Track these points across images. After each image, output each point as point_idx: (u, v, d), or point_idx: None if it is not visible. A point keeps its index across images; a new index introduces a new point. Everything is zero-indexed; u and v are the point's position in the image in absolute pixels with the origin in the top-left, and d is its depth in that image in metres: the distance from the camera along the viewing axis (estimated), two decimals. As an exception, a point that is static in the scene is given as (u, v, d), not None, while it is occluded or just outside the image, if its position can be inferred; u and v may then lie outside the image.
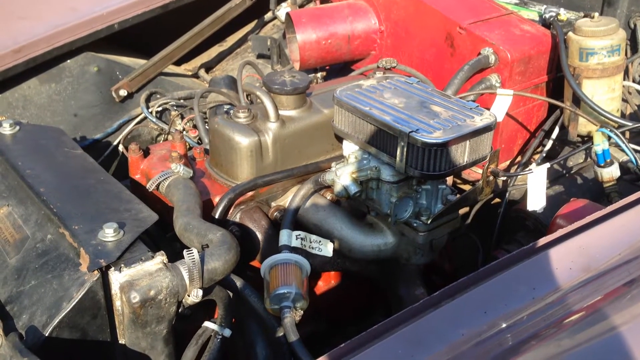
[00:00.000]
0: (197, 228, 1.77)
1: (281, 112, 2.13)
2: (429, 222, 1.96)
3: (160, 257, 1.62)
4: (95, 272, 1.58)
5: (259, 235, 2.07)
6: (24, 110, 3.06)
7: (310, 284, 2.30)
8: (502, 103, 2.40)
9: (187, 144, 2.49)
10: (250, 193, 2.11)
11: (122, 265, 1.59)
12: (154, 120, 3.01)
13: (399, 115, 1.88)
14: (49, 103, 3.11)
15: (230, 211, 2.10)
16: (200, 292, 1.60)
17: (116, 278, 1.57)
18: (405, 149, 1.82)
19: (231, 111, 2.16)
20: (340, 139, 2.07)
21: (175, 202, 1.93)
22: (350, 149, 2.02)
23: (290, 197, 2.09)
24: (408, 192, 1.94)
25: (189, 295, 1.60)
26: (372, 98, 1.98)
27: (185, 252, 1.58)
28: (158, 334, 1.63)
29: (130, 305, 1.54)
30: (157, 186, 2.04)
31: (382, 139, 1.90)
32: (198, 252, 1.61)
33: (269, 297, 1.77)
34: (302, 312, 1.78)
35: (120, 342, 1.64)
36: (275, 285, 1.79)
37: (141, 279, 1.56)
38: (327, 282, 2.37)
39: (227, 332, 1.83)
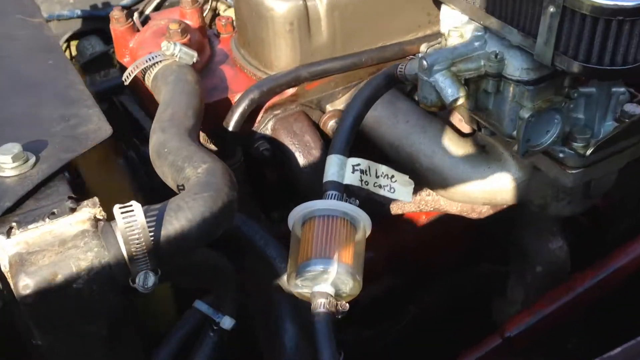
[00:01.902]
0: (173, 154, 1.02)
1: (344, -41, 1.30)
2: (588, 152, 1.12)
3: (89, 211, 0.90)
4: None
5: (301, 159, 1.31)
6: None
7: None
8: None
9: (209, 10, 1.70)
10: (291, 90, 1.33)
11: (16, 222, 0.89)
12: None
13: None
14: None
15: (260, 118, 1.34)
16: (152, 278, 0.88)
17: (3, 246, 0.87)
18: (556, 21, 0.96)
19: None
20: (438, 4, 1.22)
21: (159, 106, 1.19)
22: (452, 20, 1.17)
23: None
24: (553, 100, 1.09)
25: (132, 282, 0.88)
26: None
27: (116, 208, 0.85)
28: (91, 336, 0.94)
29: (20, 296, 0.85)
30: (144, 78, 1.29)
31: (512, 2, 1.04)
32: (146, 205, 0.88)
33: (294, 273, 1.04)
34: (347, 304, 1.03)
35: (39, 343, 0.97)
36: (305, 256, 1.04)
37: (43, 251, 0.85)
38: (409, 220, 1.61)
39: (228, 323, 1.12)
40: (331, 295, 1.02)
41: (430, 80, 1.06)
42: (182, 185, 0.97)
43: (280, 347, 1.21)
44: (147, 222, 0.86)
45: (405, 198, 1.19)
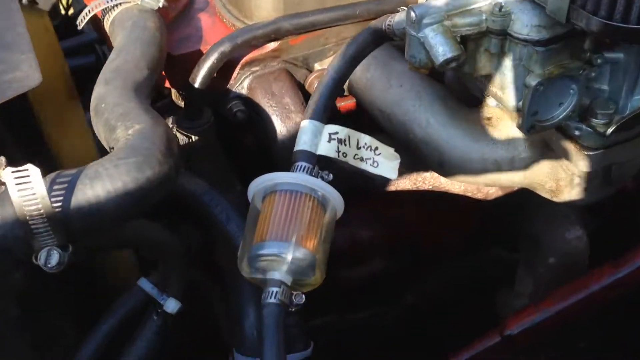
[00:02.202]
0: (109, 111, 0.87)
1: None
2: (610, 130, 0.93)
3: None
4: None
5: (278, 123, 1.15)
6: None
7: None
8: None
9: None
10: (273, 45, 1.16)
11: None
12: None
13: None
14: None
15: (235, 75, 1.18)
16: (56, 256, 0.73)
17: None
18: (573, -35, 0.78)
19: None
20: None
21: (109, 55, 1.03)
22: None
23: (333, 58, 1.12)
24: (568, 66, 0.90)
25: (35, 259, 0.74)
26: None
27: (8, 173, 0.70)
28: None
29: None
30: (103, 22, 1.14)
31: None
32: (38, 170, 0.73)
33: (247, 255, 0.89)
34: (304, 295, 0.88)
35: None
36: (260, 236, 0.89)
37: None
38: (408, 194, 1.45)
39: (172, 307, 0.98)
40: (286, 285, 0.87)
41: (419, 36, 0.88)
42: (112, 147, 0.82)
43: (240, 334, 1.07)
44: (55, 190, 0.72)
45: (389, 174, 1.02)
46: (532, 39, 0.87)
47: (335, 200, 0.94)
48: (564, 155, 1.00)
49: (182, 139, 1.12)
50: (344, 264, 1.50)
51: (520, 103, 0.90)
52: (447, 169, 1.10)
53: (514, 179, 1.09)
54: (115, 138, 0.81)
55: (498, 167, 1.07)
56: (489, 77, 0.94)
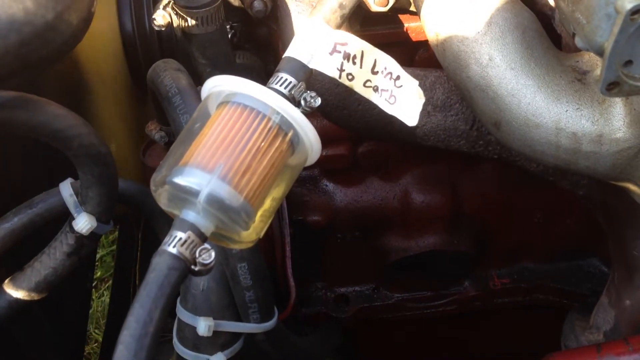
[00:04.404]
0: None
1: None
2: None
3: None
4: None
5: (298, 23, 0.87)
6: None
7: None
8: None
9: None
10: None
11: None
12: None
13: None
14: None
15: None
16: None
17: None
18: None
19: None
20: None
21: None
22: None
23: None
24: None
25: None
26: None
27: None
28: None
29: None
30: None
31: None
32: None
33: (169, 176, 0.63)
34: (212, 253, 0.61)
35: None
36: (185, 157, 0.63)
37: None
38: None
39: (81, 224, 0.77)
40: (198, 232, 0.61)
41: None
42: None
43: (184, 291, 0.84)
44: None
45: (406, 118, 0.72)
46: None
47: (312, 139, 0.66)
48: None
49: (176, 22, 0.88)
50: (388, 230, 1.22)
51: (606, 45, 0.56)
52: (503, 131, 0.77)
53: (597, 167, 0.74)
54: None
55: (576, 144, 0.73)
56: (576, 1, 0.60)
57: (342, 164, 1.13)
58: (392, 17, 0.95)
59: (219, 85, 0.67)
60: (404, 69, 0.72)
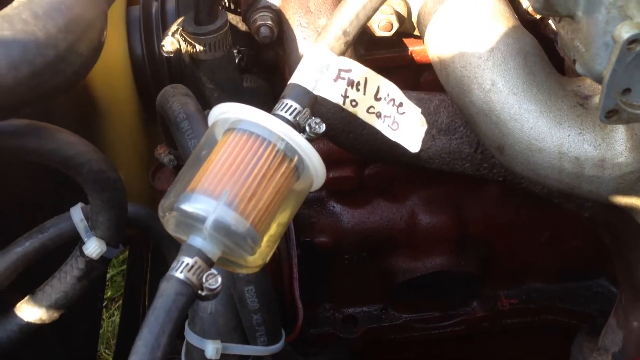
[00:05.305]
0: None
1: None
2: None
3: None
4: None
5: (304, 48, 0.89)
6: None
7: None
8: None
9: None
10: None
11: None
12: None
13: None
14: None
15: (273, -19, 0.92)
16: None
17: None
18: None
19: None
20: None
21: None
22: None
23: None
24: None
25: None
26: None
27: None
28: None
29: None
30: None
31: None
32: None
33: (177, 202, 0.64)
34: (219, 278, 0.62)
35: None
36: (193, 183, 0.65)
37: None
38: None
39: (92, 249, 0.78)
40: (205, 257, 0.62)
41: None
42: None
43: (192, 314, 0.85)
44: None
45: (408, 144, 0.73)
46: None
47: (317, 164, 0.67)
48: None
49: (184, 48, 0.89)
50: (395, 251, 1.22)
51: (605, 73, 0.56)
52: (507, 155, 0.78)
53: (600, 191, 0.75)
54: None
55: (579, 169, 0.74)
56: (571, 22, 0.61)
57: (349, 185, 1.14)
58: (396, 41, 0.97)
59: (225, 112, 0.68)
60: (407, 94, 0.73)
